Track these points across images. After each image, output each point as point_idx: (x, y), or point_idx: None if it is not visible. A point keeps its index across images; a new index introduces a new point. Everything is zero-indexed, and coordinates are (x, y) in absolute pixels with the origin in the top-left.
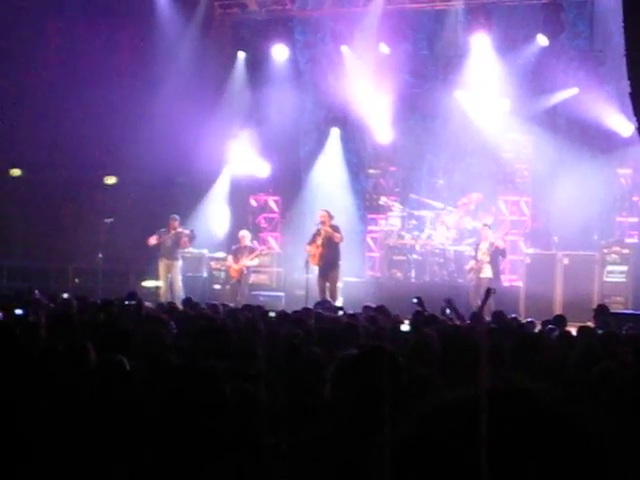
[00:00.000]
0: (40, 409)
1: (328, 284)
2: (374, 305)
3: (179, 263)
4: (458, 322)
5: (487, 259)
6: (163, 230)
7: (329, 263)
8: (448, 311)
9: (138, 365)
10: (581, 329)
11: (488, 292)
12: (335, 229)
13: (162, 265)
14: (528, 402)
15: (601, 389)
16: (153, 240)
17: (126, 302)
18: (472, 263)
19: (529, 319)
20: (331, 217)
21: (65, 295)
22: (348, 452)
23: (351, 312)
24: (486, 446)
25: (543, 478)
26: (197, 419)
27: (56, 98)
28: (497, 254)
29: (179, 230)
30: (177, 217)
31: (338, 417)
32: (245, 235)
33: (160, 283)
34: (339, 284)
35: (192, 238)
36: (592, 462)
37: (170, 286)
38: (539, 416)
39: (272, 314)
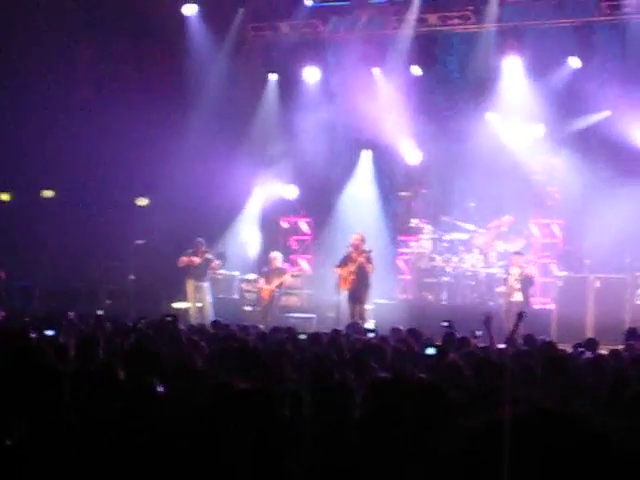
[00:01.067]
0: (70, 428)
1: (358, 307)
2: (402, 328)
3: (207, 285)
4: (490, 344)
5: (518, 285)
6: (191, 251)
7: (359, 289)
8: (478, 333)
9: (171, 387)
10: (612, 353)
11: (520, 316)
12: (369, 259)
13: (190, 286)
14: (558, 424)
15: (634, 412)
16: (185, 259)
17: (167, 318)
18: (503, 288)
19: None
20: (364, 241)
21: (99, 312)
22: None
23: (381, 335)
24: (510, 469)
25: None
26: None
27: (89, 119)
28: (527, 281)
29: (208, 256)
30: (202, 240)
31: (368, 438)
32: (276, 256)
33: (189, 304)
34: (370, 306)
35: (223, 259)
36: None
37: (200, 308)
38: (569, 437)
39: (303, 336)
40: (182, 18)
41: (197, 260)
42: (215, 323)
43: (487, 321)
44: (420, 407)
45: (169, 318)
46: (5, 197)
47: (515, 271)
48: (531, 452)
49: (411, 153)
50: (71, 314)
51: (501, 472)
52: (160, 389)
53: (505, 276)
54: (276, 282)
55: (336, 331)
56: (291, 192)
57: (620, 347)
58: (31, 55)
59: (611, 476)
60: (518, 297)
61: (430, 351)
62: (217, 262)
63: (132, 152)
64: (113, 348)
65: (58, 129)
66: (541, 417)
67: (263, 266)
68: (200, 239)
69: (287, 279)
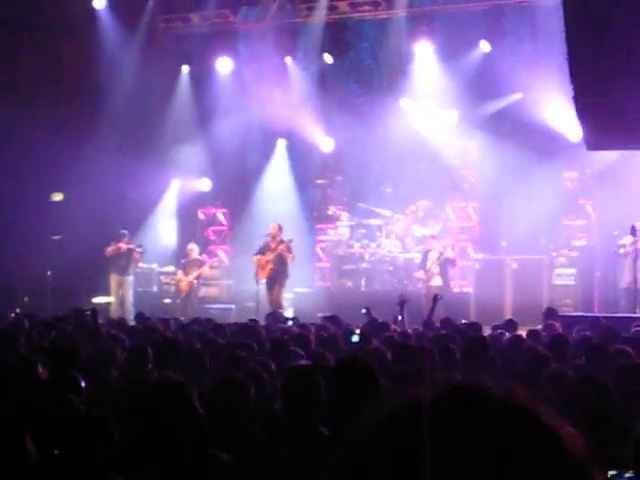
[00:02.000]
0: None
1: (276, 295)
2: (321, 315)
3: (131, 279)
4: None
5: (437, 269)
6: (114, 243)
7: (277, 277)
8: (400, 318)
9: (89, 381)
10: (530, 333)
11: (435, 298)
12: (288, 249)
13: (114, 280)
14: (481, 396)
15: (551, 391)
16: (110, 249)
17: (86, 312)
18: (421, 273)
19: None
20: (281, 230)
21: (17, 310)
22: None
23: (302, 323)
24: (431, 448)
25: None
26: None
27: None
28: (447, 263)
29: (131, 246)
30: (126, 232)
31: (286, 427)
32: (193, 248)
33: (111, 299)
34: (289, 295)
35: (142, 253)
36: (552, 455)
37: (121, 302)
38: (491, 408)
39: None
40: (93, 11)
41: (123, 246)
42: (139, 316)
43: (402, 302)
44: (342, 389)
45: (88, 312)
46: None
47: (433, 255)
48: (452, 430)
49: (325, 141)
50: None
51: (423, 452)
52: (82, 383)
53: (423, 261)
54: (194, 274)
55: (254, 320)
56: (205, 184)
57: (539, 327)
58: None
59: (532, 451)
60: (437, 281)
61: (355, 338)
62: (139, 250)
63: (45, 147)
64: (32, 345)
65: None
66: (460, 394)
67: (181, 258)
68: (124, 231)
69: (205, 270)
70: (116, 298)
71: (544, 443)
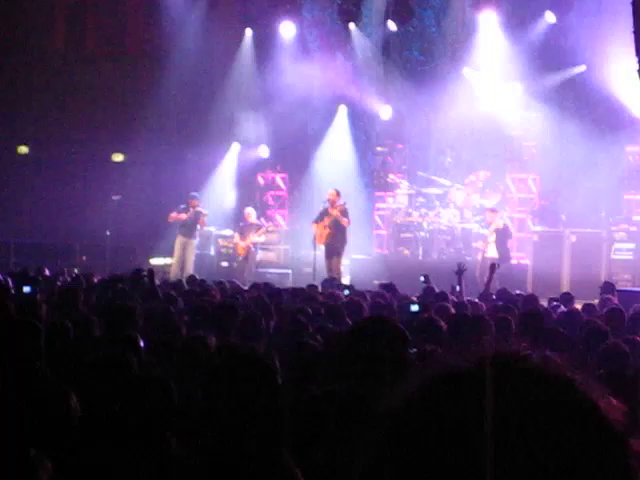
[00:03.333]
0: (45, 379)
1: (334, 261)
2: (378, 282)
3: (195, 242)
4: (459, 295)
5: (493, 239)
6: (183, 207)
7: (335, 244)
8: (458, 288)
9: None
10: (585, 306)
11: (492, 267)
12: (344, 212)
13: (178, 242)
14: (518, 364)
15: (607, 366)
16: (173, 216)
17: (143, 273)
18: (480, 243)
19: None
20: (339, 196)
21: (75, 271)
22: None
23: (358, 290)
24: (493, 414)
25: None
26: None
27: (64, 72)
28: (502, 235)
29: (199, 209)
30: (197, 195)
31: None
32: (250, 212)
33: (173, 260)
34: (346, 261)
35: (206, 216)
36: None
37: (182, 264)
38: (527, 376)
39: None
40: None
41: (184, 216)
42: (191, 278)
43: (460, 272)
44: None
45: (144, 273)
46: None
47: (492, 227)
48: (512, 399)
49: (386, 108)
50: (46, 270)
51: (481, 418)
52: (141, 343)
53: (482, 231)
54: (251, 238)
55: (312, 286)
56: (263, 151)
57: (595, 301)
58: None
59: (567, 420)
60: (492, 252)
61: (414, 308)
62: (205, 217)
63: (107, 108)
64: (90, 304)
65: (33, 84)
66: (495, 363)
67: (239, 222)
68: (195, 193)
69: (262, 235)
70: (178, 260)
71: (578, 412)
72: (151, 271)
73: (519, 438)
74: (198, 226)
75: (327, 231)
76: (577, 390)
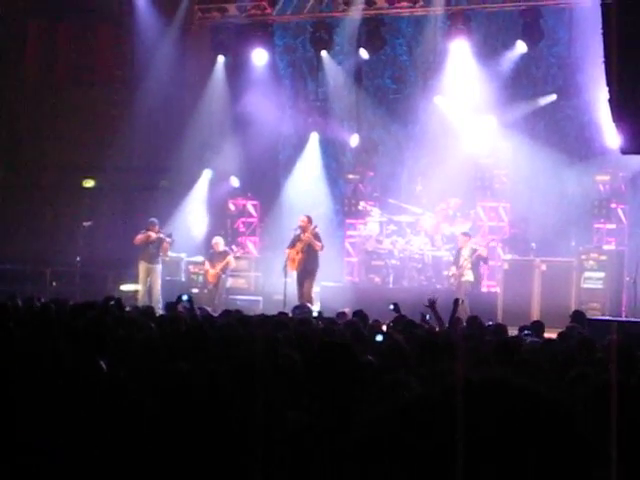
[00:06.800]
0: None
1: (305, 288)
2: (348, 310)
3: (159, 267)
4: (437, 327)
5: (469, 265)
6: (144, 231)
7: (307, 269)
8: (428, 317)
9: (117, 368)
10: (560, 335)
11: (456, 302)
12: (316, 237)
13: (142, 268)
14: (510, 391)
15: (577, 392)
16: (140, 238)
17: (111, 302)
18: (453, 269)
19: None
20: (311, 222)
21: (42, 299)
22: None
23: (328, 316)
24: (463, 435)
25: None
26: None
27: (36, 98)
28: (479, 260)
29: (161, 235)
30: (156, 221)
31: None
32: (218, 242)
33: (139, 287)
34: (316, 288)
35: (171, 241)
36: (574, 449)
37: (149, 290)
38: (520, 403)
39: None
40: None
41: (153, 235)
42: (168, 305)
43: (432, 305)
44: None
45: (112, 302)
46: None
47: (466, 252)
48: (484, 420)
49: (357, 136)
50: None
51: (454, 439)
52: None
53: (455, 257)
54: (220, 266)
55: (283, 313)
56: (234, 182)
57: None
58: None
59: (540, 430)
60: (469, 277)
61: (379, 338)
62: (168, 240)
63: (80, 132)
64: (61, 331)
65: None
66: (494, 385)
67: (210, 249)
68: (153, 219)
69: (230, 261)
70: (144, 286)
71: (550, 422)
72: (119, 300)
73: (490, 464)
74: (161, 253)
75: (300, 256)
76: (552, 405)
